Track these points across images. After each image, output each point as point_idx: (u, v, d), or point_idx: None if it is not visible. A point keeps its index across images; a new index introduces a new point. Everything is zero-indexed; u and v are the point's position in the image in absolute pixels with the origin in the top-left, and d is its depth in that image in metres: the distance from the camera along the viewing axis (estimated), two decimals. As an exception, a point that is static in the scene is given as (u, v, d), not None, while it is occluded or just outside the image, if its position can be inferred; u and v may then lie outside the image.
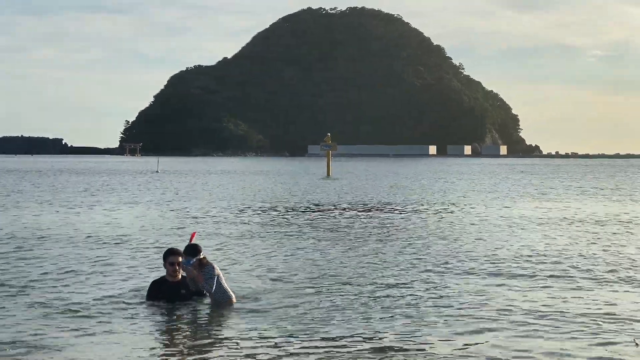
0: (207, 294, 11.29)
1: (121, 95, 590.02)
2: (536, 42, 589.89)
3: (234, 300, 11.38)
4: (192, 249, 11.20)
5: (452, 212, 29.81)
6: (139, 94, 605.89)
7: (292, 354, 8.72)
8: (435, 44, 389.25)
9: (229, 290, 11.44)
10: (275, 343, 9.17)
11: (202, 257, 11.13)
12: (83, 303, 11.36)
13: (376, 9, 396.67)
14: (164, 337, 9.58)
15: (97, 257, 16.31)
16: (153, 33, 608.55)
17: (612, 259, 16.34)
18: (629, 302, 11.71)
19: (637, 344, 8.99)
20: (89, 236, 20.30)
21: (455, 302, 11.61)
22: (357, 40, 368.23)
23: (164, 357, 8.71)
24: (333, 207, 31.66)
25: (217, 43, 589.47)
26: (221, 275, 11.40)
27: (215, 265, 11.32)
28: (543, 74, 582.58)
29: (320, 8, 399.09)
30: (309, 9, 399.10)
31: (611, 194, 43.99)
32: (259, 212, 29.33)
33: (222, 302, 11.23)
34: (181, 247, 11.94)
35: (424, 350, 8.94)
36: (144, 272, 14.41)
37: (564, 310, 11.01)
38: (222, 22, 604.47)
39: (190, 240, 11.51)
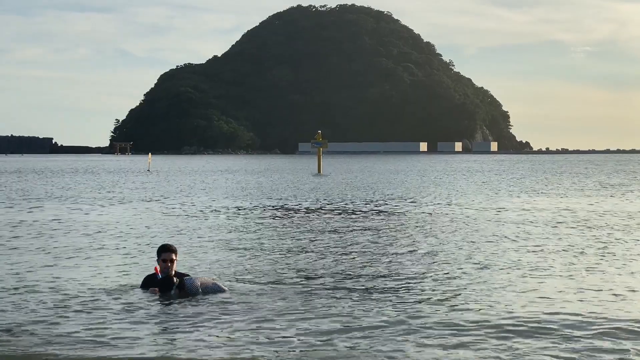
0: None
1: (111, 95, 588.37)
2: (525, 38, 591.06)
3: (226, 289, 11.73)
4: (167, 284, 11.46)
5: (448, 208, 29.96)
6: (129, 92, 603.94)
7: (282, 343, 8.88)
8: (425, 41, 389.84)
9: (219, 284, 11.75)
10: (267, 330, 9.33)
11: (177, 282, 11.40)
12: (78, 294, 11.50)
13: (366, 6, 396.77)
14: (153, 326, 9.69)
15: (91, 251, 16.43)
16: (140, 32, 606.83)
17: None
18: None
19: None
20: (84, 233, 20.47)
21: (449, 295, 11.77)
22: (347, 38, 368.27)
23: (150, 346, 8.84)
24: (323, 204, 31.80)
25: (207, 41, 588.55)
26: (203, 278, 11.70)
27: (192, 278, 11.57)
28: (533, 70, 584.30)
29: (310, 5, 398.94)
30: (299, 6, 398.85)
31: None
32: (249, 209, 29.44)
33: (216, 291, 11.60)
34: (174, 244, 12.08)
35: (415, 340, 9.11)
36: (137, 267, 14.52)
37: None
38: (211, 21, 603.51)
39: (157, 272, 11.74)
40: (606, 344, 8.75)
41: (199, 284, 11.48)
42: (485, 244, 18.04)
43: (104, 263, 15.12)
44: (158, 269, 11.84)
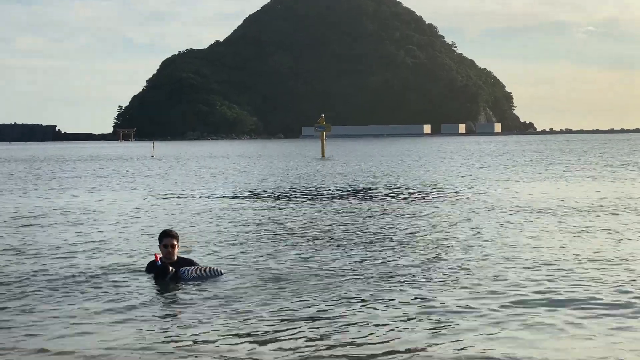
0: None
1: (113, 81, 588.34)
2: (528, 19, 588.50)
3: (224, 272, 11.80)
4: (162, 272, 11.53)
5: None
6: (132, 79, 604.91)
7: (278, 332, 8.80)
8: (427, 23, 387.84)
9: (215, 268, 11.81)
10: (263, 318, 9.26)
11: (172, 272, 11.46)
12: (77, 278, 11.46)
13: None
14: (148, 314, 9.63)
15: (96, 238, 16.37)
16: (141, 19, 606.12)
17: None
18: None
19: None
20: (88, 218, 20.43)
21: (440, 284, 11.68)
22: (350, 21, 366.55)
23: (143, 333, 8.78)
24: (326, 188, 31.70)
25: (208, 27, 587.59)
26: (200, 266, 11.78)
27: (188, 269, 11.58)
28: (536, 50, 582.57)
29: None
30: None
31: None
32: (252, 193, 29.36)
33: (214, 274, 11.68)
34: (176, 230, 12.03)
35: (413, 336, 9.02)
36: (142, 252, 14.46)
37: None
38: (212, 6, 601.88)
39: (157, 259, 11.74)
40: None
41: (192, 274, 11.48)
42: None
43: (107, 247, 15.05)
44: (158, 256, 11.79)
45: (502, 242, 14.90)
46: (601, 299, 9.88)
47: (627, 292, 10.33)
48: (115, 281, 11.61)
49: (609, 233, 16.00)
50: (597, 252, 13.59)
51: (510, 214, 19.90)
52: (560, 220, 18.34)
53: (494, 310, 9.41)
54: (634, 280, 11.05)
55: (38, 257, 13.94)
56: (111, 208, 23.91)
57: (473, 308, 9.52)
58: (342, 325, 8.87)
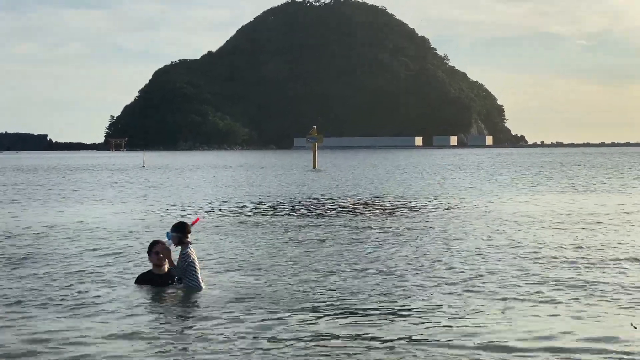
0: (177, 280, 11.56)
1: (105, 90, 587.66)
2: (520, 31, 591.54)
3: (203, 288, 11.54)
4: (181, 227, 11.51)
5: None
6: (124, 88, 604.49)
7: (267, 340, 8.83)
8: (419, 35, 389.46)
9: (200, 279, 11.58)
10: (250, 329, 9.28)
11: (187, 240, 11.39)
12: (71, 293, 11.45)
13: (360, 1, 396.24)
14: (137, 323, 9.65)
15: (88, 249, 16.36)
16: (133, 27, 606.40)
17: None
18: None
19: (635, 327, 8.96)
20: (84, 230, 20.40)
21: (434, 288, 11.73)
22: (342, 32, 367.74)
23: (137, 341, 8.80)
24: (318, 200, 31.72)
25: (201, 37, 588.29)
26: (196, 262, 11.58)
27: (193, 253, 11.51)
28: (528, 63, 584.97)
29: (305, 0, 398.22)
30: (294, 1, 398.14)
31: None
32: (243, 204, 29.35)
33: (192, 288, 11.44)
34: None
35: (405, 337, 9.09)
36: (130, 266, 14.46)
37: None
38: (206, 15, 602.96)
39: (193, 224, 11.75)
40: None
41: (191, 258, 11.34)
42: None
43: (105, 258, 15.03)
44: (198, 220, 12.17)
45: (506, 252, 14.95)
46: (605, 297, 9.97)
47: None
48: (106, 292, 11.59)
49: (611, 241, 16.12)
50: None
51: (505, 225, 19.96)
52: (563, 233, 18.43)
53: (502, 311, 9.49)
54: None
55: (36, 268, 13.89)
56: (109, 220, 23.85)
57: (479, 310, 9.60)
58: (343, 336, 8.92)
